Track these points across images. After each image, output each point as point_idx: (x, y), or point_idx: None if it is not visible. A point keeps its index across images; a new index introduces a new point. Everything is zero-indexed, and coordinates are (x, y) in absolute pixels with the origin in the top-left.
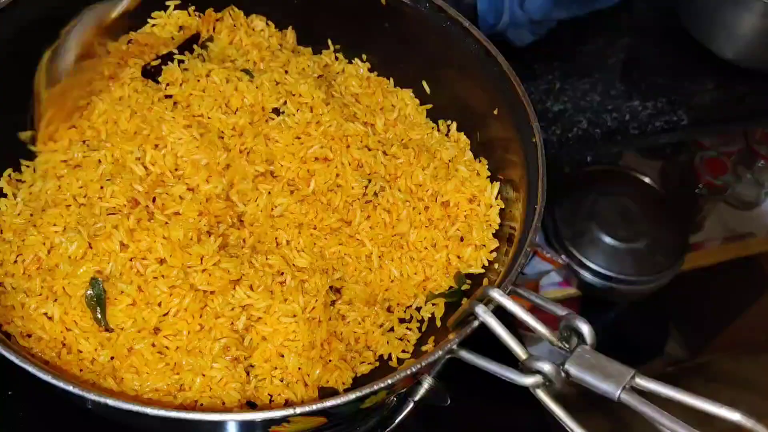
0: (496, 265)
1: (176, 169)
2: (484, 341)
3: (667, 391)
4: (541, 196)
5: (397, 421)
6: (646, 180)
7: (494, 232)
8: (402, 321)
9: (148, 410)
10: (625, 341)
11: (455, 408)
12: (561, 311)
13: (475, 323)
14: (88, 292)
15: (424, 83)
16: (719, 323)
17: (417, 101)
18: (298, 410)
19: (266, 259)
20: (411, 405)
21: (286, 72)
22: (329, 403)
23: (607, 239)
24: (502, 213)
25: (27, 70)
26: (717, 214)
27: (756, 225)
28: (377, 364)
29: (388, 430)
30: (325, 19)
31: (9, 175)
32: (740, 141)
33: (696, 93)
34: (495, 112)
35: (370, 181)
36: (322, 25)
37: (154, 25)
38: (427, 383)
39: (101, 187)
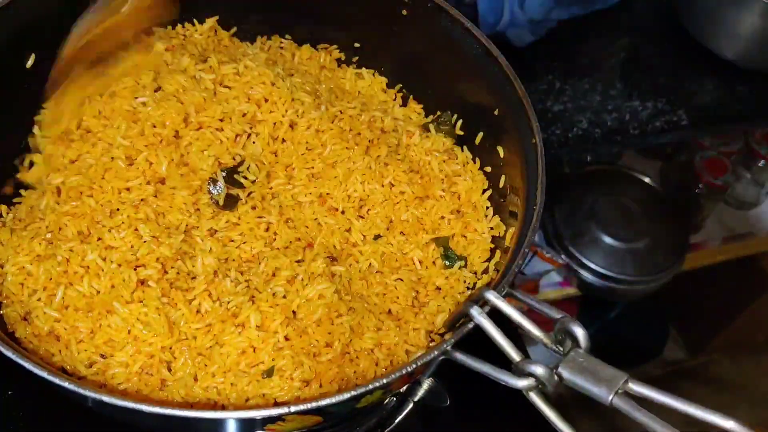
0: (493, 263)
1: None
2: (480, 342)
3: (659, 397)
4: (539, 198)
5: (396, 421)
6: (646, 180)
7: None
8: None
9: (149, 408)
10: (625, 341)
11: (455, 408)
12: (556, 314)
13: (470, 325)
14: None
15: (424, 82)
16: (719, 323)
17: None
18: (293, 408)
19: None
20: (410, 405)
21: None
22: (323, 401)
23: (607, 239)
24: None
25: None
26: (717, 214)
27: (756, 225)
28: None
29: (387, 430)
30: (324, 21)
31: None
32: (740, 141)
33: (696, 93)
34: (495, 112)
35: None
36: (322, 27)
37: None
38: (426, 383)
39: None
